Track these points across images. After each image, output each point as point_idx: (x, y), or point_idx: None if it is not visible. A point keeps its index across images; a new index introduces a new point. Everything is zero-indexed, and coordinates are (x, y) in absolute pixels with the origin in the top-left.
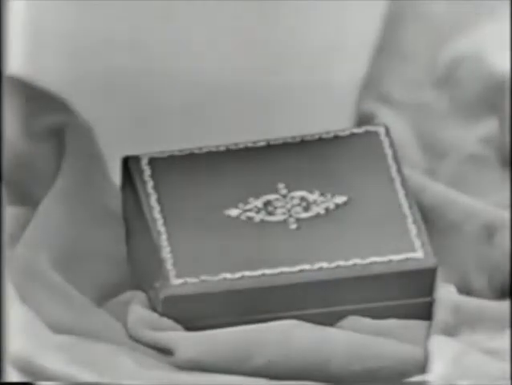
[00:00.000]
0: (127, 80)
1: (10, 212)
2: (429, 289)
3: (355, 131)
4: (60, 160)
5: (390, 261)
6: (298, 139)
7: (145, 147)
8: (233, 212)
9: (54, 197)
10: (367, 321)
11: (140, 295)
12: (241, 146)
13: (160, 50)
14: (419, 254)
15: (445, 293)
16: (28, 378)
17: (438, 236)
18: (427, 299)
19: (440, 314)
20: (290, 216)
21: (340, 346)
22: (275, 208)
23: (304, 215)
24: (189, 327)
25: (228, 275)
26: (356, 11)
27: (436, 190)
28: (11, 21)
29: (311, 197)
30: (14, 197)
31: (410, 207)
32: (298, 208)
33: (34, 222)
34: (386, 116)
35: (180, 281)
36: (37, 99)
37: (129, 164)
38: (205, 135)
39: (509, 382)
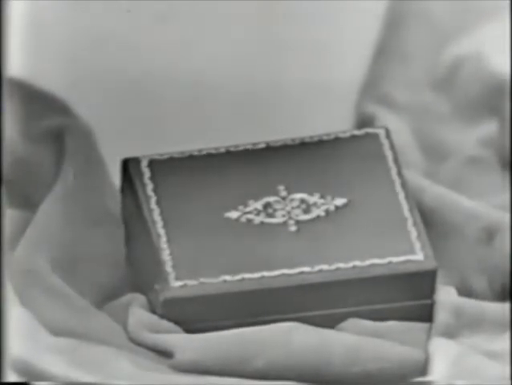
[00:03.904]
0: (127, 82)
1: (10, 214)
2: (430, 291)
3: (356, 133)
4: (60, 162)
5: (390, 263)
6: (298, 141)
7: (145, 149)
8: (233, 214)
9: (53, 199)
10: (368, 323)
11: (139, 297)
12: (240, 148)
13: (159, 51)
14: (419, 256)
15: (446, 295)
16: (27, 380)
17: (438, 238)
18: (427, 301)
19: (441, 315)
20: (290, 218)
21: (340, 348)
22: (275, 210)
23: (304, 217)
24: (189, 329)
25: (227, 277)
26: (357, 12)
27: (437, 192)
28: (11, 21)
29: (311, 199)
30: (14, 199)
31: (410, 209)
32: (298, 211)
33: (34, 224)
34: (386, 118)
35: (179, 283)
36: (37, 100)
37: (129, 166)
38: (205, 136)
39: (509, 383)
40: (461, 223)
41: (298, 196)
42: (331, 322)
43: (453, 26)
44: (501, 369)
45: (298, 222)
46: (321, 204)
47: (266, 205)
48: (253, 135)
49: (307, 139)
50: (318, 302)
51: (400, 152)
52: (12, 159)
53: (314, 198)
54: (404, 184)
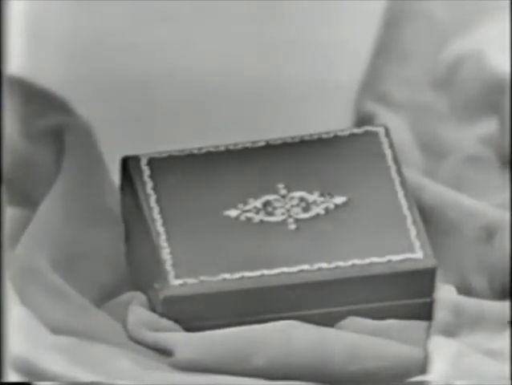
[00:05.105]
0: (127, 80)
1: (10, 212)
2: (429, 290)
3: (355, 131)
4: (60, 160)
5: (390, 262)
6: (297, 140)
7: (145, 148)
8: (233, 212)
9: (53, 198)
10: (367, 321)
11: (139, 296)
12: (240, 146)
13: (160, 51)
14: (418, 255)
15: (445, 294)
16: (28, 379)
17: (438, 236)
18: (427, 300)
19: (440, 314)
20: (290, 216)
21: (339, 347)
22: (274, 208)
23: (303, 215)
24: (189, 328)
25: (227, 276)
26: (357, 11)
27: (436, 190)
28: (11, 21)
29: (311, 198)
30: (14, 198)
31: (410, 207)
32: (298, 209)
33: (34, 223)
34: (385, 116)
35: (179, 281)
36: (37, 99)
37: (128, 165)
38: (205, 135)
39: (509, 382)
40: (460, 221)
41: (298, 194)
42: (330, 321)
43: (452, 25)
44: (500, 368)
45: (297, 220)
46: (320, 203)
47: (266, 204)
48: (252, 133)
49: (307, 138)
50: (318, 301)
51: (400, 151)
52: (12, 157)
53: (313, 196)
54: (403, 183)
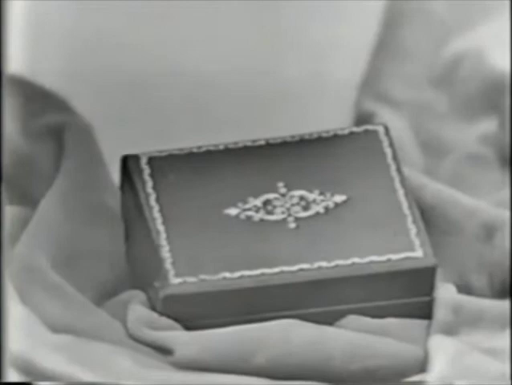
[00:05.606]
0: (126, 80)
1: (10, 211)
2: (429, 289)
3: (355, 130)
4: (60, 159)
5: (389, 260)
6: (297, 138)
7: (145, 146)
8: (233, 211)
9: (53, 197)
10: (367, 320)
11: (139, 294)
12: (240, 145)
13: (160, 50)
14: (418, 253)
15: (445, 293)
16: (27, 378)
17: (438, 235)
18: (426, 298)
19: (440, 313)
20: (290, 215)
21: (339, 346)
22: (274, 207)
23: (303, 214)
24: (189, 326)
25: (227, 274)
26: (356, 9)
27: (436, 189)
28: (11, 21)
29: (311, 196)
30: (14, 197)
31: (410, 206)
32: (298, 208)
33: (34, 222)
34: (385, 115)
35: (179, 280)
36: (37, 98)
37: (128, 163)
38: (205, 134)
39: (509, 382)
40: (460, 220)
41: (298, 193)
42: (330, 319)
43: (452, 23)
44: (501, 367)
45: (297, 219)
46: (320, 201)
47: (266, 202)
48: (252, 132)
49: (306, 136)
50: (318, 299)
51: (399, 149)
52: (12, 156)
53: (313, 195)
54: (403, 181)
